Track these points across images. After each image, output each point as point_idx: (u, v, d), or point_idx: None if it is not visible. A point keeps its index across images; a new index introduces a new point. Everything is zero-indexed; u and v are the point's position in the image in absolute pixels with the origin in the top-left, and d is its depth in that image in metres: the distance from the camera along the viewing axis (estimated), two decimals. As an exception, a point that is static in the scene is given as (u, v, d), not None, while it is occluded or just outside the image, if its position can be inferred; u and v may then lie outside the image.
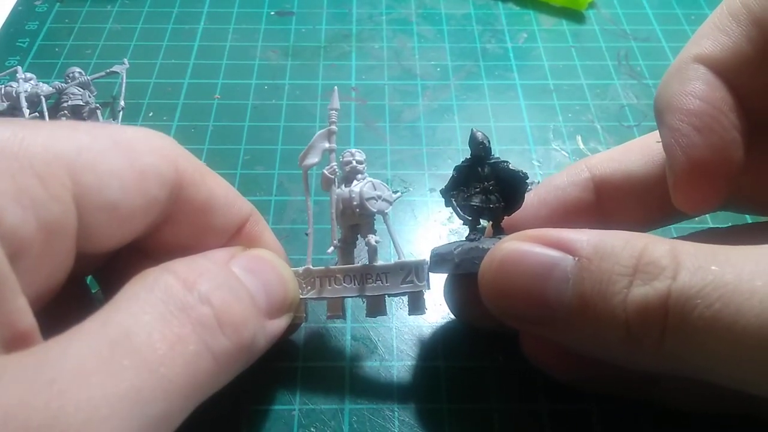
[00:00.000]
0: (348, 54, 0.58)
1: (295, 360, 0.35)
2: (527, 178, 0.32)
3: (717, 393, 0.28)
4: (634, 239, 0.25)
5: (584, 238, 0.26)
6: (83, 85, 0.50)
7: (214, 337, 0.24)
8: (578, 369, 0.30)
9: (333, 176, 0.32)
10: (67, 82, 0.50)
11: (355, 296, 0.33)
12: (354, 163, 0.32)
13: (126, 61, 0.53)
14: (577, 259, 0.26)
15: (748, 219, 0.41)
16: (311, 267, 0.33)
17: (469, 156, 0.33)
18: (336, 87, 0.33)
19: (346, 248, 0.34)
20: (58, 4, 0.62)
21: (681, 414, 0.32)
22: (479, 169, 0.32)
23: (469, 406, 0.34)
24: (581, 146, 0.49)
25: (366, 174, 0.33)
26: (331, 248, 0.33)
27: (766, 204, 0.33)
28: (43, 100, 0.49)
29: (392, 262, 0.32)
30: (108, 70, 0.52)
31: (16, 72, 0.50)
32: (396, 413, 0.33)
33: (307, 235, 0.34)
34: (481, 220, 0.33)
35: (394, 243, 0.33)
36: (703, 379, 0.24)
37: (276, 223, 0.43)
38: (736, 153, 0.28)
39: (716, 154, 0.28)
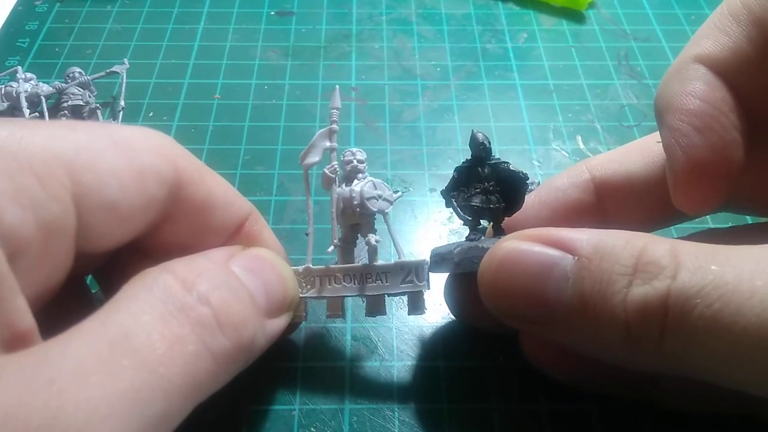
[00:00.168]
0: (348, 54, 0.58)
1: (295, 360, 0.35)
2: (528, 178, 0.32)
3: (717, 393, 0.28)
4: (634, 239, 0.25)
5: (584, 237, 0.26)
6: (83, 85, 0.50)
7: (214, 337, 0.24)
8: (578, 369, 0.30)
9: (334, 175, 0.32)
10: (67, 82, 0.50)
11: (355, 296, 0.33)
12: (355, 162, 0.32)
13: (126, 61, 0.53)
14: (576, 258, 0.25)
15: (749, 220, 0.41)
16: (311, 266, 0.33)
17: (469, 156, 0.33)
18: (338, 86, 0.33)
19: (347, 248, 0.34)
20: (58, 4, 0.62)
21: (681, 414, 0.32)
22: (480, 169, 0.32)
23: (469, 406, 0.34)
24: (581, 146, 0.49)
25: (367, 173, 0.33)
26: (332, 247, 0.33)
27: (766, 204, 0.33)
28: (43, 100, 0.49)
29: (392, 261, 0.32)
30: (108, 70, 0.52)
31: (16, 72, 0.50)
32: (396, 413, 0.33)
33: (307, 235, 0.34)
34: (482, 221, 0.33)
35: (394, 243, 0.32)
36: (703, 379, 0.24)
37: (276, 223, 0.43)
38: (737, 153, 0.28)
39: (716, 154, 0.28)
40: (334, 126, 0.33)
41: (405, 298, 0.33)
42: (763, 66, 0.28)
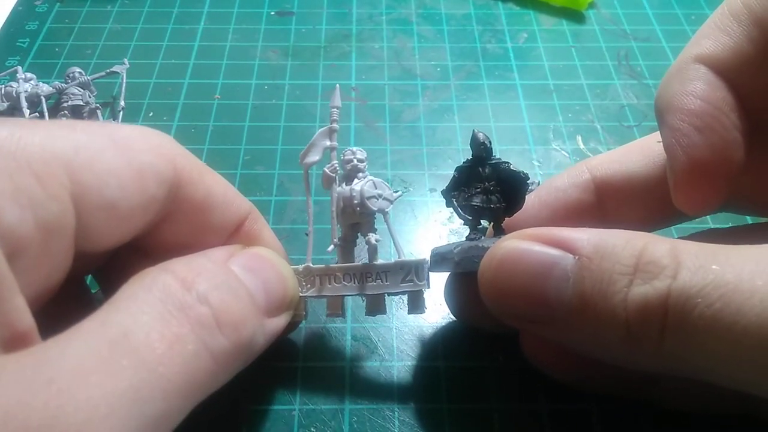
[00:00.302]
0: (348, 54, 0.58)
1: (295, 360, 0.35)
2: (528, 178, 0.32)
3: (717, 393, 0.28)
4: (634, 238, 0.25)
5: (585, 236, 0.26)
6: (83, 85, 0.50)
7: (213, 336, 0.24)
8: (578, 369, 0.30)
9: (334, 174, 0.32)
10: (67, 82, 0.50)
11: (355, 295, 0.33)
12: (355, 161, 0.32)
13: (126, 61, 0.53)
14: (577, 257, 0.25)
15: (749, 220, 0.41)
16: (311, 265, 0.33)
17: (470, 156, 0.33)
18: (338, 85, 0.33)
19: (347, 247, 0.34)
20: (58, 4, 0.62)
21: (681, 414, 0.32)
22: (480, 169, 0.32)
23: (469, 406, 0.34)
24: (581, 146, 0.49)
25: (367, 172, 0.33)
26: (331, 247, 0.33)
27: (766, 204, 0.33)
28: (43, 100, 0.49)
29: (392, 261, 0.32)
30: (108, 70, 0.52)
31: (16, 72, 0.50)
32: (396, 413, 0.33)
33: (307, 234, 0.34)
34: (482, 221, 0.33)
35: (394, 242, 0.32)
36: (703, 379, 0.24)
37: (276, 223, 0.43)
38: (737, 153, 0.28)
39: (717, 154, 0.28)
40: (334, 125, 0.33)
41: (405, 297, 0.33)
42: (763, 66, 0.28)
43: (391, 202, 0.32)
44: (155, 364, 0.22)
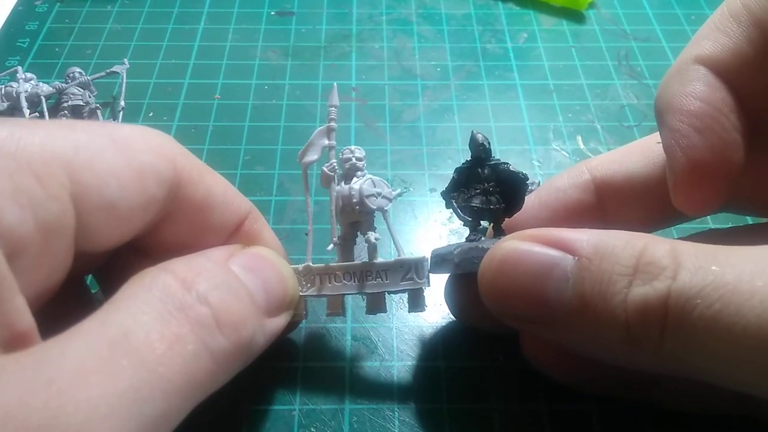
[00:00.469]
0: (348, 54, 0.58)
1: (295, 360, 0.35)
2: (527, 179, 0.32)
3: (717, 394, 0.28)
4: (634, 239, 0.25)
5: (584, 237, 0.26)
6: (83, 85, 0.50)
7: (213, 336, 0.24)
8: (578, 370, 0.30)
9: (333, 173, 0.32)
10: (67, 82, 0.50)
11: (355, 293, 0.33)
12: (354, 160, 0.32)
13: (126, 61, 0.53)
14: (577, 258, 0.25)
15: (749, 220, 0.41)
16: (311, 264, 0.33)
17: (469, 157, 0.33)
18: (335, 84, 0.33)
19: (346, 245, 0.34)
20: (58, 4, 0.62)
21: (681, 415, 0.32)
22: (480, 170, 0.32)
23: (469, 406, 0.34)
24: (581, 146, 0.49)
25: (366, 171, 0.33)
26: (331, 246, 0.33)
27: (766, 205, 0.33)
28: (43, 100, 0.49)
29: (392, 259, 0.32)
30: (108, 70, 0.52)
31: (16, 72, 0.50)
32: (396, 413, 0.33)
33: (306, 234, 0.34)
34: (482, 222, 0.33)
35: (394, 240, 0.32)
36: (703, 380, 0.24)
37: (276, 223, 0.43)
38: (737, 154, 0.28)
39: (716, 155, 0.28)
40: (333, 124, 0.33)
41: (405, 296, 0.33)
42: (763, 67, 0.28)
43: (390, 200, 0.32)
44: (155, 364, 0.22)
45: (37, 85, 0.49)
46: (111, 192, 0.25)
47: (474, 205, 0.32)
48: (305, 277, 0.33)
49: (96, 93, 0.51)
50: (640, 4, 0.63)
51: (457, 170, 0.33)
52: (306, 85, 0.54)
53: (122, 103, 0.50)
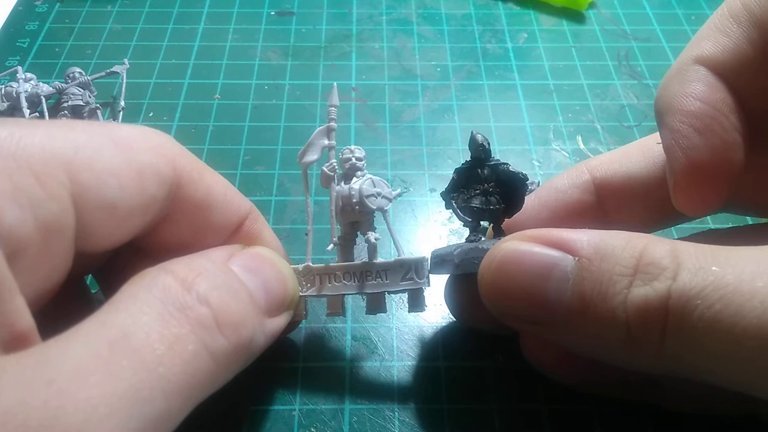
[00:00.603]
0: (348, 54, 0.58)
1: (295, 360, 0.35)
2: (527, 179, 0.32)
3: (717, 394, 0.28)
4: (634, 239, 0.25)
5: (584, 238, 0.26)
6: (83, 86, 0.50)
7: (213, 337, 0.24)
8: (578, 371, 0.30)
9: (333, 173, 0.32)
10: (67, 83, 0.50)
11: (355, 293, 0.33)
12: (353, 160, 0.32)
13: (126, 61, 0.53)
14: (577, 259, 0.25)
15: (749, 220, 0.41)
16: (311, 264, 0.33)
17: (469, 158, 0.33)
18: (335, 84, 0.33)
19: (346, 245, 0.34)
20: (58, 4, 0.62)
21: (681, 415, 0.32)
22: (479, 170, 0.32)
23: (469, 406, 0.34)
24: (581, 146, 0.49)
25: (366, 171, 0.33)
26: (331, 246, 0.33)
27: (766, 205, 0.33)
28: (44, 100, 0.49)
29: (392, 259, 0.32)
30: (108, 71, 0.52)
31: (16, 72, 0.50)
32: (396, 413, 0.33)
33: (306, 234, 0.34)
34: (482, 222, 0.33)
35: (393, 240, 0.32)
36: (704, 380, 0.24)
37: (276, 223, 0.43)
38: (737, 155, 0.28)
39: (716, 155, 0.28)
40: (333, 124, 0.33)
41: (405, 296, 0.33)
42: (763, 67, 0.28)
43: (390, 200, 0.32)
44: (155, 364, 0.22)
45: (37, 85, 0.49)
46: (111, 192, 0.25)
47: (474, 205, 0.32)
48: (305, 277, 0.33)
49: (96, 93, 0.51)
50: (640, 4, 0.63)
51: (457, 171, 0.33)
52: (306, 85, 0.54)
53: (122, 103, 0.50)
